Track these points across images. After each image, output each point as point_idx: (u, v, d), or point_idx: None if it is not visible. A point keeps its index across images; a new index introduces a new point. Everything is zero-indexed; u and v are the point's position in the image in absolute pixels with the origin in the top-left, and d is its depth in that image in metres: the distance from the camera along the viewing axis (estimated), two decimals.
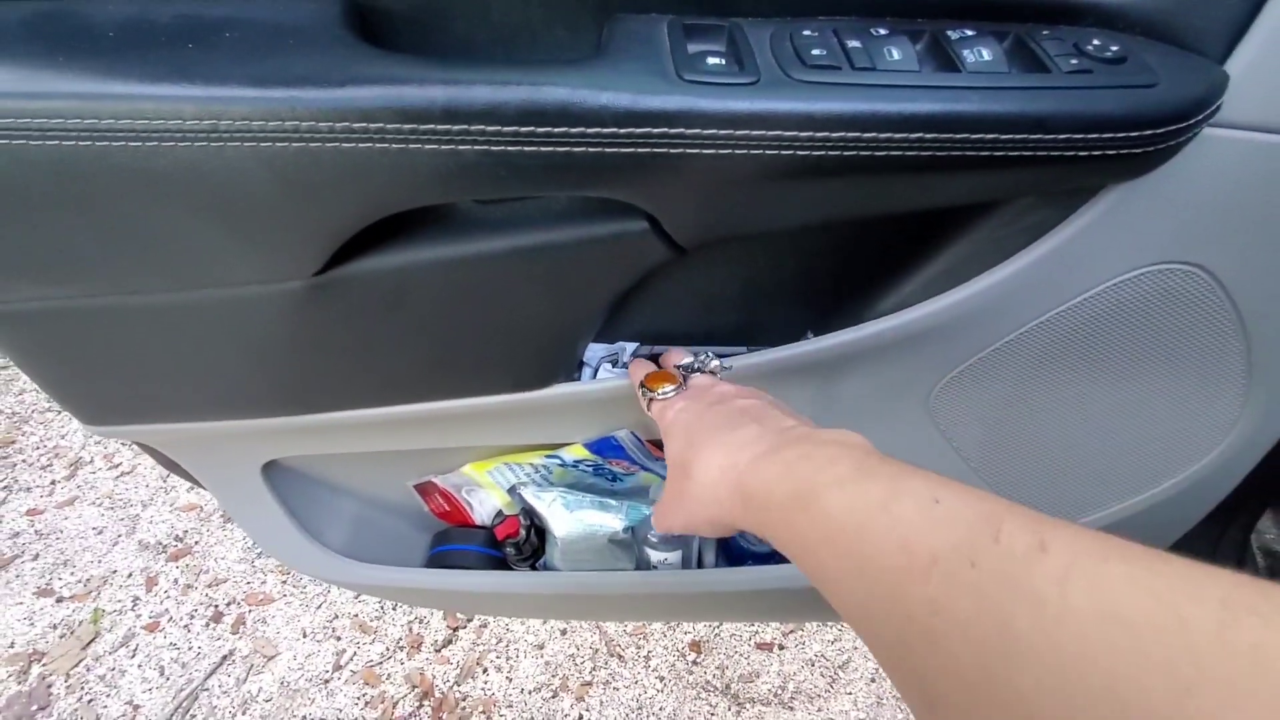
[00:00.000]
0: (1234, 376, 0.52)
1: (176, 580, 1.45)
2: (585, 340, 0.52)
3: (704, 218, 0.40)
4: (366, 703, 1.26)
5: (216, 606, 1.41)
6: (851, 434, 0.34)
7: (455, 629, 1.35)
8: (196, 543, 1.52)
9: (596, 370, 0.55)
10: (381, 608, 1.39)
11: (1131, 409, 0.54)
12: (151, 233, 0.39)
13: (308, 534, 0.67)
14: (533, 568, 0.69)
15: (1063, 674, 0.18)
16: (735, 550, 0.69)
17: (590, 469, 0.63)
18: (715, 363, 0.51)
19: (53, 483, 1.63)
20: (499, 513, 0.67)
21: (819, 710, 1.22)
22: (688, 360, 0.49)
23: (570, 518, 0.64)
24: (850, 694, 1.23)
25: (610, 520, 0.64)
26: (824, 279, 0.55)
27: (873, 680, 1.24)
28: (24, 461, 1.67)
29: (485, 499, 0.69)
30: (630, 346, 0.56)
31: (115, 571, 1.46)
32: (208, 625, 1.38)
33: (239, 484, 0.64)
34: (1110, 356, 0.52)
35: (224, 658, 1.33)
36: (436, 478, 0.68)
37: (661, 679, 1.26)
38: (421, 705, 1.25)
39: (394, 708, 1.25)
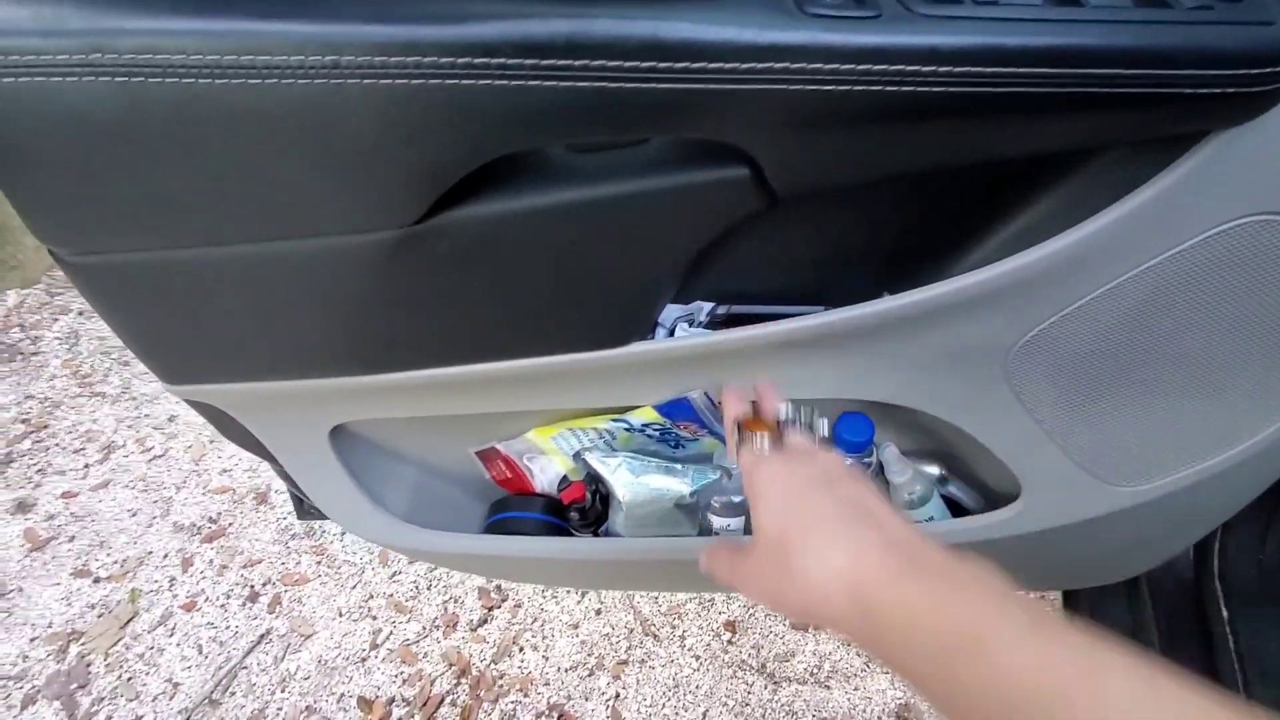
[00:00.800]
0: None
1: (212, 561, 1.46)
2: (665, 297, 0.52)
3: (809, 162, 0.40)
4: (404, 680, 1.27)
5: (252, 586, 1.42)
6: (989, 569, 0.31)
7: (490, 609, 1.35)
8: (230, 525, 1.53)
9: (672, 330, 0.55)
10: (416, 587, 1.40)
11: (1215, 367, 0.54)
12: (257, 178, 0.39)
13: (371, 499, 0.68)
14: (594, 535, 0.69)
15: None
16: None
17: (657, 433, 0.63)
18: (822, 422, 0.47)
19: (86, 466, 1.64)
20: (564, 478, 0.67)
21: (855, 689, 1.22)
22: (787, 412, 0.46)
23: (636, 482, 0.64)
24: (886, 673, 1.23)
25: (676, 484, 0.64)
26: (903, 236, 0.55)
27: None
28: (57, 445, 1.68)
29: (547, 466, 0.69)
30: (706, 306, 0.56)
31: (151, 553, 1.47)
32: (244, 605, 1.39)
33: (306, 448, 0.64)
34: (1197, 313, 0.51)
35: (261, 636, 1.34)
36: (500, 444, 0.68)
37: (697, 658, 1.27)
38: (459, 683, 1.26)
39: (431, 685, 1.26)
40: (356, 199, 0.40)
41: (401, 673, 1.28)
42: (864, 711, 1.19)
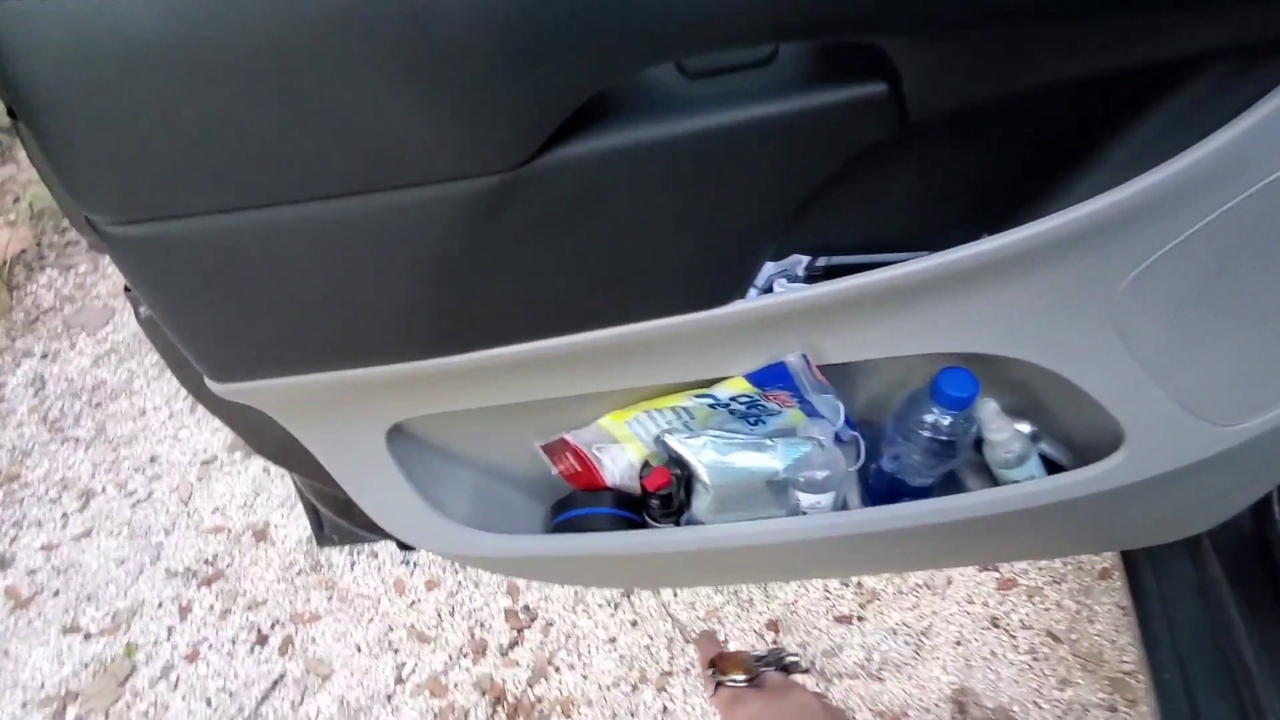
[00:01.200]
0: None
1: (212, 606, 1.36)
2: (769, 247, 0.48)
3: (952, 69, 0.37)
4: (436, 715, 1.19)
5: (259, 629, 1.32)
6: None
7: (519, 630, 1.28)
8: (228, 565, 1.43)
9: (769, 289, 0.51)
10: (438, 615, 1.32)
11: None
12: (341, 109, 0.34)
13: (432, 505, 0.62)
14: (675, 525, 0.64)
15: None
16: (888, 485, 0.65)
17: (744, 405, 0.59)
18: (794, 658, 0.51)
19: (65, 515, 1.52)
20: (645, 464, 0.62)
21: (909, 678, 1.18)
22: (762, 653, 0.50)
23: (723, 462, 0.60)
24: (938, 659, 1.20)
25: (767, 461, 0.60)
26: (1003, 173, 0.52)
27: (958, 644, 1.21)
28: (32, 495, 1.56)
29: (618, 456, 0.64)
30: (803, 260, 0.52)
31: (144, 602, 1.37)
32: (252, 650, 1.29)
33: (360, 453, 0.59)
34: None
35: (275, 682, 1.25)
36: (568, 434, 0.63)
37: None
38: (495, 712, 1.18)
39: (465, 717, 1.18)
40: (463, 136, 0.35)
41: (432, 707, 1.20)
42: (920, 700, 1.16)
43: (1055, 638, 1.20)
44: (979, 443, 0.67)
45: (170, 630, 1.32)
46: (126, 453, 1.65)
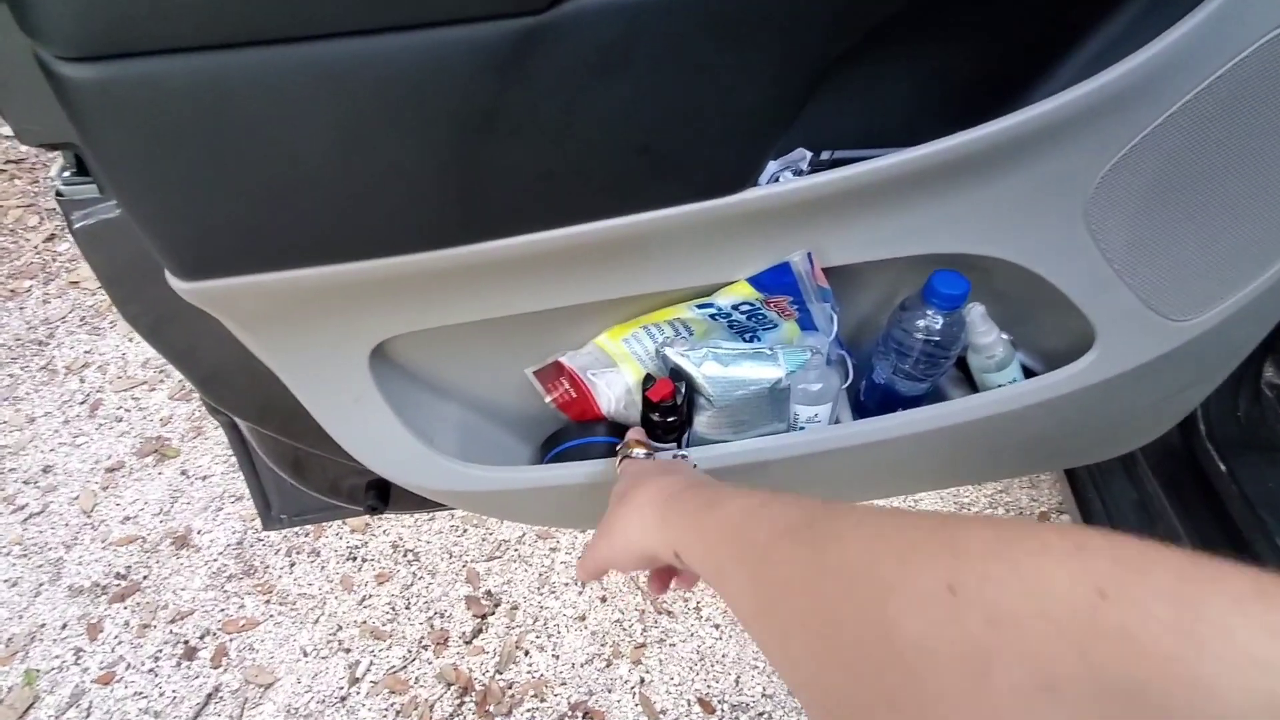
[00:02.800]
0: None
1: (127, 623, 1.22)
2: (780, 128, 0.47)
3: None
4: (398, 712, 1.11)
5: (186, 642, 1.19)
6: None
7: (483, 616, 1.22)
8: (145, 577, 1.28)
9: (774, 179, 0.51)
10: (392, 609, 1.23)
11: (1266, 184, 0.57)
12: None
13: (420, 437, 0.57)
14: (676, 445, 0.62)
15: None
16: (882, 395, 0.66)
17: (745, 314, 0.58)
18: (692, 461, 0.58)
19: None
20: (647, 376, 0.60)
21: None
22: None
23: (725, 374, 0.59)
24: None
25: (769, 370, 0.59)
26: (991, 70, 0.54)
27: None
28: None
29: (614, 381, 0.62)
30: (807, 154, 0.52)
31: (43, 625, 1.20)
32: (179, 665, 1.16)
33: (340, 377, 0.54)
34: (1253, 127, 0.54)
35: (208, 696, 1.12)
36: (563, 357, 0.60)
37: (717, 626, 1.20)
38: (463, 702, 1.12)
39: (430, 711, 1.11)
40: None
41: (392, 704, 1.12)
42: None
43: None
44: (962, 362, 0.69)
45: (78, 653, 1.17)
46: (13, 464, 1.46)
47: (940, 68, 0.53)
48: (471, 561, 1.29)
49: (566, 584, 1.26)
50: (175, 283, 0.43)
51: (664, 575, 0.47)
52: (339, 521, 1.33)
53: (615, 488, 0.48)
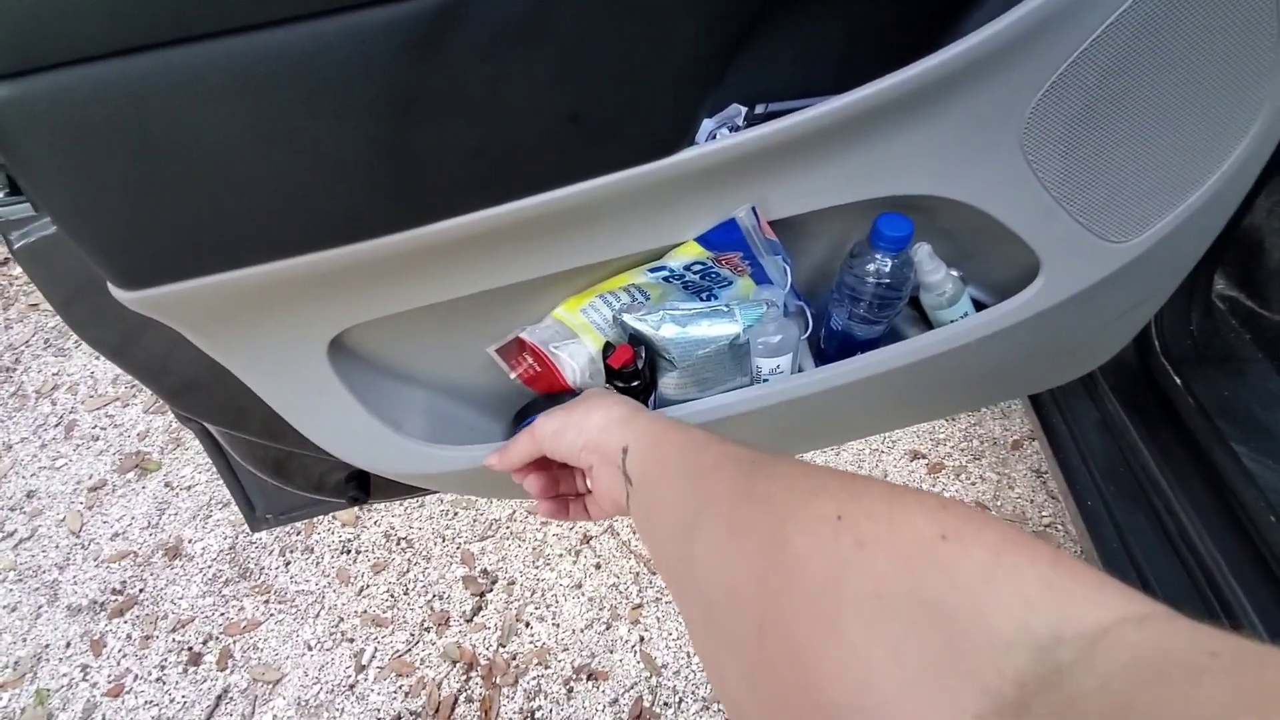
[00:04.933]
0: (1266, 48, 0.57)
1: (130, 635, 1.23)
2: (709, 86, 0.48)
3: None
4: (406, 693, 1.14)
5: (190, 648, 1.21)
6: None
7: (481, 594, 1.25)
8: (141, 590, 1.29)
9: (712, 137, 0.51)
10: (391, 596, 1.26)
11: (1185, 106, 0.58)
12: None
13: (387, 423, 0.58)
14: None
15: None
16: (840, 341, 0.68)
17: (698, 274, 0.59)
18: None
19: None
20: (607, 344, 0.61)
21: None
22: None
23: (684, 334, 0.60)
24: None
25: (727, 327, 0.60)
26: (911, 11, 0.55)
27: None
28: None
29: (577, 352, 0.63)
30: (742, 109, 0.52)
31: (48, 646, 1.21)
32: (186, 671, 1.18)
33: (300, 372, 0.54)
34: (1167, 50, 0.55)
35: (219, 698, 1.14)
36: (523, 333, 0.61)
37: None
38: (469, 677, 1.15)
39: (439, 689, 1.14)
40: None
41: (401, 686, 1.14)
42: None
43: (983, 506, 1.30)
44: (915, 302, 0.71)
45: (85, 669, 1.18)
46: None
47: (867, 11, 0.54)
48: (465, 543, 1.31)
49: (561, 555, 1.29)
50: (118, 293, 0.43)
51: (562, 504, 0.54)
52: (330, 516, 1.35)
53: (583, 394, 0.53)
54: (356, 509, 1.32)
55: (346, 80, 0.37)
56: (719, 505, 0.30)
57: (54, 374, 1.66)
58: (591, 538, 1.31)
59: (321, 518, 1.33)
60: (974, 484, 1.34)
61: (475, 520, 1.34)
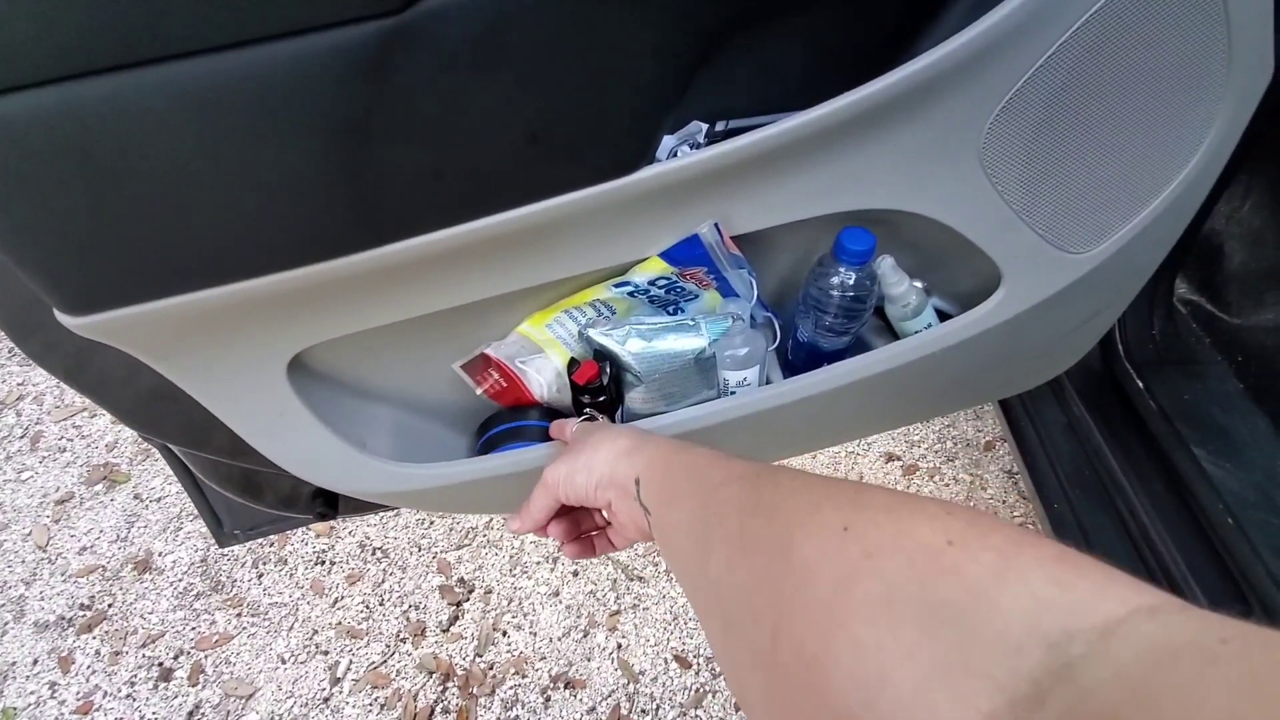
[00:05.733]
0: (1216, 66, 0.59)
1: (99, 652, 1.21)
2: (669, 105, 0.48)
3: None
4: (382, 706, 1.13)
5: (161, 664, 1.19)
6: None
7: (458, 604, 1.24)
8: (110, 605, 1.27)
9: (673, 154, 0.51)
10: (366, 607, 1.24)
11: (1140, 120, 0.60)
12: None
13: (351, 443, 0.58)
14: (612, 421, 0.64)
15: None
16: (806, 353, 0.68)
17: (663, 288, 0.59)
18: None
19: None
20: (572, 360, 0.61)
21: None
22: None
23: (650, 349, 0.60)
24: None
25: (693, 341, 0.60)
26: (874, 24, 0.55)
27: None
28: None
29: (543, 366, 0.62)
30: (703, 126, 0.53)
31: (14, 664, 1.19)
32: (156, 687, 1.16)
33: (260, 393, 0.53)
34: (1122, 65, 0.56)
35: (190, 714, 1.13)
36: (488, 349, 0.61)
37: None
38: (446, 687, 1.14)
39: (415, 700, 1.13)
40: None
41: (376, 699, 1.13)
42: None
43: None
44: (880, 312, 0.71)
45: (53, 686, 1.16)
46: None
47: (825, 30, 0.54)
48: (441, 552, 1.30)
49: (538, 563, 1.29)
50: (63, 319, 0.42)
51: (587, 543, 0.53)
52: (304, 528, 1.33)
53: (579, 430, 0.53)
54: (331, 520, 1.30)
55: (294, 104, 0.37)
56: (729, 521, 0.31)
57: (19, 384, 1.62)
58: None
59: (295, 529, 1.32)
60: (948, 485, 1.36)
61: (451, 529, 1.33)
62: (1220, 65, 0.58)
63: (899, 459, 1.40)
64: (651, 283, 0.58)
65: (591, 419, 0.58)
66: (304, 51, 0.35)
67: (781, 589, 0.25)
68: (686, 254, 0.56)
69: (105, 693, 1.15)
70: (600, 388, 0.60)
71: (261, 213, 0.41)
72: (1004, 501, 1.33)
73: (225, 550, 1.32)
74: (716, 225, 0.55)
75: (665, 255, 0.56)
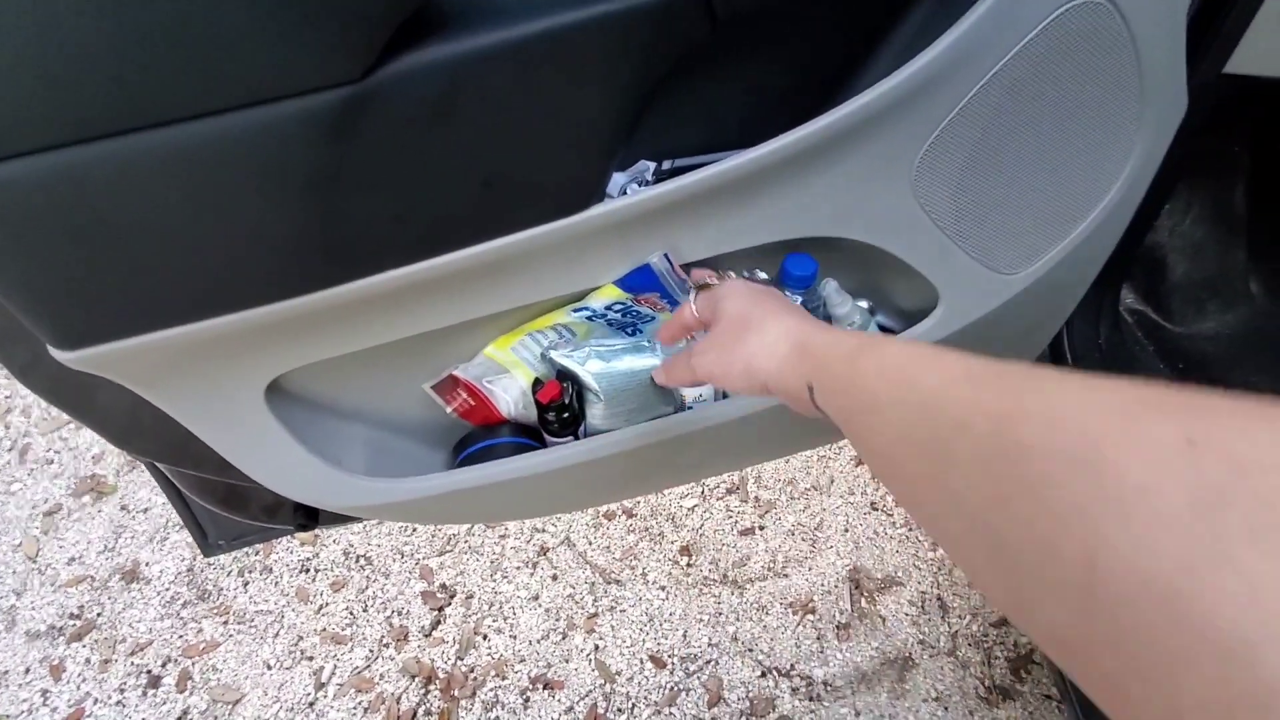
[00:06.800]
0: (1131, 102, 0.64)
1: (89, 660, 1.23)
2: (617, 148, 0.52)
3: None
4: (365, 709, 1.16)
5: (149, 671, 1.22)
6: None
7: (440, 609, 1.27)
8: (99, 614, 1.30)
9: (623, 193, 0.56)
10: (350, 614, 1.28)
11: (1064, 148, 0.64)
12: (181, 25, 0.34)
13: (327, 461, 0.61)
14: (574, 438, 0.68)
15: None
16: None
17: (619, 313, 0.63)
18: (761, 275, 0.62)
19: None
20: (536, 380, 0.65)
21: (810, 569, 1.30)
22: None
23: (610, 369, 0.64)
24: (832, 547, 1.33)
25: (650, 361, 0.64)
26: (811, 71, 0.59)
27: (846, 530, 1.35)
28: None
29: (509, 385, 0.66)
30: (650, 165, 0.57)
31: (6, 672, 1.21)
32: (145, 694, 1.19)
33: (239, 417, 0.57)
34: (1045, 98, 0.61)
35: None
36: (456, 370, 0.65)
37: (663, 588, 1.28)
38: (428, 691, 1.17)
39: (398, 703, 1.16)
40: (298, 47, 0.36)
41: (360, 703, 1.17)
42: (821, 585, 1.28)
43: None
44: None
45: (45, 694, 1.18)
46: None
47: (762, 76, 0.58)
48: (423, 558, 1.34)
49: (519, 567, 1.33)
50: (56, 353, 0.46)
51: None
52: (288, 536, 1.36)
53: (725, 308, 0.47)
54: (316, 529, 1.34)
55: (267, 163, 0.41)
56: (976, 430, 0.26)
57: (6, 397, 1.64)
58: (548, 549, 1.34)
59: (280, 538, 1.35)
60: None
61: (434, 536, 1.36)
62: (1134, 101, 0.63)
63: None
64: (608, 308, 0.62)
65: (706, 287, 0.53)
66: (275, 117, 0.39)
67: (1093, 513, 0.21)
68: (639, 281, 0.60)
69: (96, 699, 1.18)
70: (563, 405, 0.64)
71: (239, 256, 0.45)
72: None
73: (211, 559, 1.35)
74: (666, 255, 0.59)
75: (619, 283, 0.60)
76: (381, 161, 0.43)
